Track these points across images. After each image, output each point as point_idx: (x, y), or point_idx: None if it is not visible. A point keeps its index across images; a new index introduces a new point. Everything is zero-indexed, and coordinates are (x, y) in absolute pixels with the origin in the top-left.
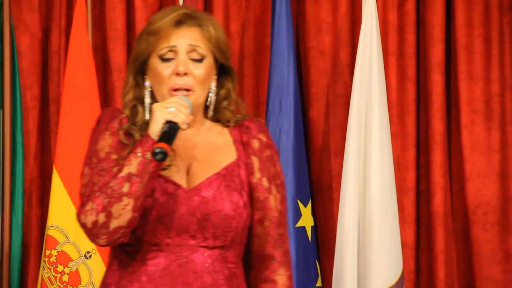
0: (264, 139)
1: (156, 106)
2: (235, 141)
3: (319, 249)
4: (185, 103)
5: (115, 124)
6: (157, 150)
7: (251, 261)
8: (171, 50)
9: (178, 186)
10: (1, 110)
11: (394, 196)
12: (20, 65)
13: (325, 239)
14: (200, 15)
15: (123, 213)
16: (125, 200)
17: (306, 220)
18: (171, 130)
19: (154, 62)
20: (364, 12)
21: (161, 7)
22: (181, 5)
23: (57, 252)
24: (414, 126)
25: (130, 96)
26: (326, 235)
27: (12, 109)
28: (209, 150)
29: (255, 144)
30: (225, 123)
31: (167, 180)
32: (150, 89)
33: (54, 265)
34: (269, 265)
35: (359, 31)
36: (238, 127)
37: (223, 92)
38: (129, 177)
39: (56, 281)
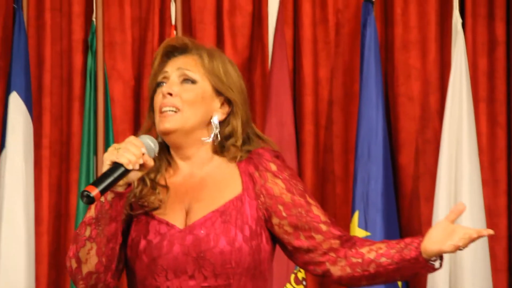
0: (280, 161)
1: (110, 146)
2: (241, 173)
3: None
4: (139, 142)
5: None
6: (84, 193)
7: (329, 267)
8: (164, 77)
9: (171, 226)
10: (94, 157)
11: (486, 243)
12: (113, 113)
13: (416, 286)
14: (202, 46)
15: (89, 257)
16: (88, 245)
17: None
18: (111, 172)
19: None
20: (453, 58)
21: (251, 53)
22: (180, 36)
23: None
24: (505, 172)
25: (142, 129)
26: (417, 282)
27: None
28: (211, 187)
29: (272, 167)
30: (231, 160)
31: (160, 221)
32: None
33: None
34: (348, 246)
35: (449, 77)
36: (246, 159)
37: (228, 129)
38: (89, 222)
39: None
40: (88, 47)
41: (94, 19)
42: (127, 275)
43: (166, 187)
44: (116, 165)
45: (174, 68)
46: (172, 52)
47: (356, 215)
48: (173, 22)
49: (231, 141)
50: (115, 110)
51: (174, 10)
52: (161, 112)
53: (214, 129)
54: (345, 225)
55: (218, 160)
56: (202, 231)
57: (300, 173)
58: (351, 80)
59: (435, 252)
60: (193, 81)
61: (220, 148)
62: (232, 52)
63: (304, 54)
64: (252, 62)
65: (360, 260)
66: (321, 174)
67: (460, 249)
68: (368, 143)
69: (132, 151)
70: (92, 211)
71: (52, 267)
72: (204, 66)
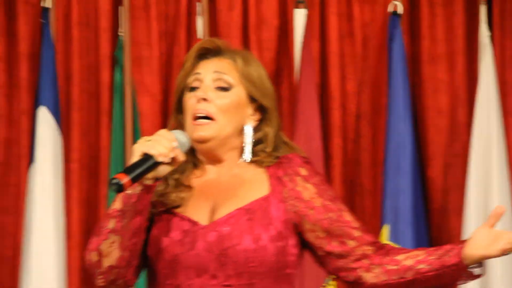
0: (310, 166)
1: (141, 139)
2: (269, 177)
3: None
4: (172, 136)
5: None
6: (113, 181)
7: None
8: (197, 79)
9: (194, 222)
10: None
11: None
12: (141, 126)
13: None
14: (235, 50)
15: (111, 251)
16: (111, 237)
17: None
18: (142, 162)
19: (185, 95)
20: (481, 71)
21: (277, 67)
22: (213, 38)
23: None
24: None
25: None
26: None
27: None
28: (238, 187)
29: (303, 172)
30: (259, 164)
31: (182, 218)
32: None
33: None
34: (382, 252)
35: (477, 90)
36: (275, 164)
37: (259, 134)
38: (113, 214)
39: None
40: (115, 61)
41: (121, 34)
42: (147, 275)
43: (189, 187)
44: (146, 157)
45: (209, 71)
46: (205, 54)
47: (385, 228)
48: (199, 36)
49: (261, 147)
50: (143, 124)
51: (201, 25)
52: (194, 118)
53: (248, 137)
54: None
55: (246, 164)
56: (225, 228)
57: None
58: (379, 94)
59: (478, 258)
60: (228, 86)
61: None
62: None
63: (331, 68)
64: (279, 76)
65: (396, 267)
66: (349, 187)
67: (506, 254)
68: (397, 157)
69: (163, 144)
70: (117, 204)
71: (82, 281)
72: (238, 71)
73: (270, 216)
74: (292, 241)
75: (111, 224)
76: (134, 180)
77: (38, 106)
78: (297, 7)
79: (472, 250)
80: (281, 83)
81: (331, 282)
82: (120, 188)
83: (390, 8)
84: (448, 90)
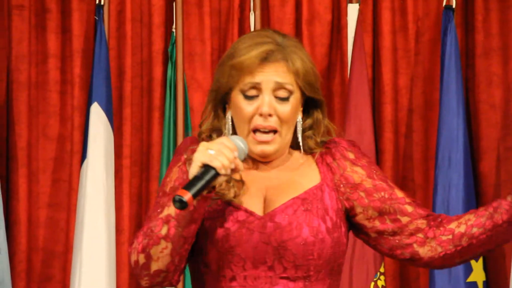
0: (357, 149)
1: (200, 145)
2: (318, 164)
3: None
4: (233, 145)
5: (185, 155)
6: (176, 198)
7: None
8: (254, 87)
9: (250, 213)
10: None
11: None
12: (193, 122)
13: (497, 284)
14: (287, 44)
15: (161, 256)
16: (163, 243)
17: (478, 275)
18: (203, 175)
19: (236, 97)
20: None
21: (330, 62)
22: (266, 31)
23: None
24: None
25: (207, 125)
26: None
27: None
28: (289, 175)
29: (350, 155)
30: (308, 151)
31: (238, 208)
32: (230, 122)
33: None
34: (435, 224)
35: None
36: (323, 150)
37: (309, 121)
38: (167, 220)
39: None
40: (168, 57)
41: (174, 30)
42: (195, 267)
43: (241, 181)
44: (207, 168)
45: (270, 81)
46: (268, 57)
47: None
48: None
49: (309, 133)
50: (195, 119)
51: (253, 20)
52: (256, 132)
53: (299, 130)
54: None
55: (293, 152)
56: (283, 219)
57: None
58: (431, 88)
59: None
60: (289, 95)
61: (296, 141)
62: None
63: (383, 63)
64: (331, 71)
65: (450, 237)
66: (401, 182)
67: None
68: (448, 151)
69: (226, 155)
70: (171, 209)
71: (133, 277)
72: (296, 74)
73: (325, 206)
74: (344, 230)
75: (164, 230)
76: (197, 194)
77: (90, 102)
78: (350, 2)
79: None
80: (333, 78)
81: (381, 277)
82: (184, 206)
83: (443, 2)
84: (501, 84)
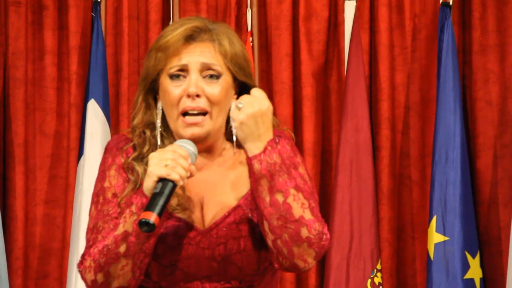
0: (290, 142)
1: (152, 157)
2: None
3: None
4: (185, 152)
5: (121, 158)
6: (142, 222)
7: None
8: (181, 69)
9: (191, 226)
10: None
11: None
12: None
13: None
14: (215, 27)
15: (122, 273)
16: (123, 261)
17: (475, 272)
18: (162, 190)
19: (164, 81)
20: None
21: (327, 59)
22: (194, 17)
23: None
24: None
25: (138, 119)
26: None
27: None
28: (224, 179)
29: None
30: (240, 145)
31: (179, 220)
32: (161, 111)
33: None
34: None
35: None
36: None
37: None
38: (124, 236)
39: None
40: None
41: None
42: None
43: (182, 187)
44: (164, 182)
45: (195, 61)
46: (194, 35)
47: (434, 220)
48: (249, 28)
49: None
50: None
51: (250, 17)
52: (184, 113)
53: (233, 121)
54: (423, 230)
55: (229, 146)
56: (227, 234)
57: (376, 178)
58: (428, 85)
59: None
60: (218, 75)
61: (230, 134)
62: (308, 58)
63: (380, 60)
64: (328, 68)
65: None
66: (398, 179)
67: None
68: (445, 148)
69: (182, 165)
70: (127, 225)
71: None
72: (224, 55)
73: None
74: None
75: (122, 247)
76: (161, 214)
77: (87, 99)
78: None
79: None
80: (330, 75)
81: (378, 274)
82: (151, 228)
83: None
84: (498, 82)
